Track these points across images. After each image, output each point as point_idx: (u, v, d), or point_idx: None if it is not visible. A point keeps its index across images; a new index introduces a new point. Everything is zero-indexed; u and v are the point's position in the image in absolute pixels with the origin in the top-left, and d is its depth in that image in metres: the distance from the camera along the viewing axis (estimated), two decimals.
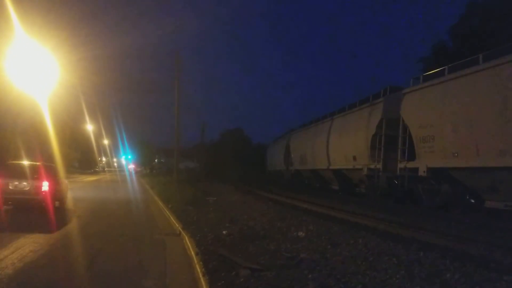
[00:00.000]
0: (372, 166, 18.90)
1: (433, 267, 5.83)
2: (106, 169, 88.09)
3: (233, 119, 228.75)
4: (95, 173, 76.23)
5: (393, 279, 5.19)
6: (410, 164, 16.01)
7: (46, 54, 20.90)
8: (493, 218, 12.40)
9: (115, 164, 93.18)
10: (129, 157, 73.78)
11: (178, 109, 25.49)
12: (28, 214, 11.82)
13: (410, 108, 16.27)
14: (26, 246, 7.21)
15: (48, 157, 46.17)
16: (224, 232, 8.74)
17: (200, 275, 5.55)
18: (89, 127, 55.27)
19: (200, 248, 6.94)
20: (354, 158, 20.91)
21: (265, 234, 8.44)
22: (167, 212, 13.44)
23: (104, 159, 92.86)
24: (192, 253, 6.91)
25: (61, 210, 13.34)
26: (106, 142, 68.41)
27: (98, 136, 61.82)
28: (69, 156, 47.71)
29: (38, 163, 14.21)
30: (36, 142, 46.06)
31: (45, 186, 12.41)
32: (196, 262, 6.28)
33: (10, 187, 12.21)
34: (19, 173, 12.81)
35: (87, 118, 49.63)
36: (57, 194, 13.52)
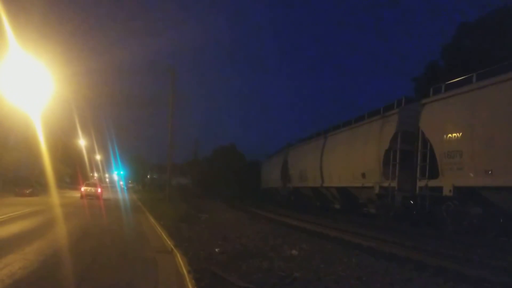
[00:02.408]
0: (386, 184, 17.20)
1: None
2: (80, 186, 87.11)
3: (227, 135, 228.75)
4: None
5: None
6: (432, 183, 14.36)
7: (41, 68, 20.90)
8: None
9: (107, 179, 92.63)
10: (121, 172, 73.60)
11: (172, 125, 25.51)
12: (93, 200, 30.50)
13: (432, 120, 14.75)
14: (16, 263, 7.08)
15: (39, 172, 45.80)
16: (216, 249, 8.66)
17: None
18: (82, 142, 55.06)
19: (192, 266, 6.86)
20: (363, 175, 19.30)
21: (258, 252, 8.38)
22: (159, 229, 13.31)
23: (96, 174, 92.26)
24: (184, 271, 6.82)
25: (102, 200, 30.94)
26: (98, 157, 68.09)
27: (91, 151, 61.59)
28: (60, 171, 47.36)
29: (96, 181, 41.66)
30: (27, 157, 45.81)
31: (99, 190, 33.61)
32: (188, 280, 6.19)
33: (88, 191, 32.94)
34: (90, 185, 34.83)
35: (80, 133, 49.54)
36: (102, 193, 34.63)
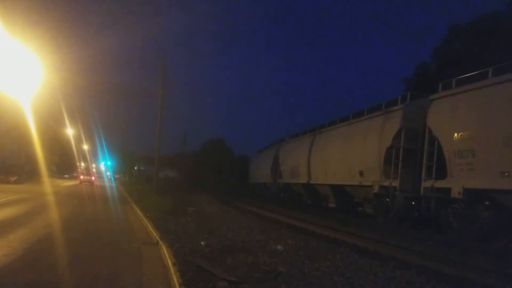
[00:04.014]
0: (386, 184, 16.30)
1: None
2: (78, 175, 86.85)
3: (216, 129, 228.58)
4: (74, 178, 75.18)
5: None
6: (440, 184, 13.39)
7: (29, 55, 20.62)
8: None
9: (94, 170, 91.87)
10: (109, 163, 73.17)
11: (161, 117, 25.39)
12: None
13: (441, 117, 13.79)
14: None
15: (25, 160, 45.28)
16: (202, 243, 8.67)
17: (177, 286, 5.48)
18: (70, 131, 54.53)
19: (177, 258, 6.86)
20: (361, 173, 18.38)
21: (244, 247, 8.41)
22: (145, 220, 13.27)
23: (83, 164, 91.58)
24: (169, 263, 6.82)
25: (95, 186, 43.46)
26: (86, 147, 67.49)
27: (79, 141, 61.02)
28: (47, 160, 46.94)
29: (91, 172, 58.06)
30: (14, 144, 45.32)
31: (94, 179, 50.89)
32: (173, 272, 6.20)
33: (85, 179, 49.05)
34: (87, 175, 52.84)
35: (68, 121, 49.09)
36: (96, 181, 50.99)
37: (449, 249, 10.12)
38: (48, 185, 34.41)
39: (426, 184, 14.08)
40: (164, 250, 7.89)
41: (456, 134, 12.85)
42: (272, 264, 6.82)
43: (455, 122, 13.06)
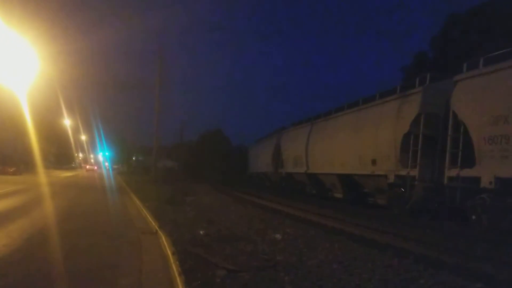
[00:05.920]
0: (403, 173, 15.08)
1: None
2: (83, 165, 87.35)
3: (214, 120, 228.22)
4: (72, 169, 75.32)
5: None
6: (467, 172, 12.13)
7: (26, 45, 20.51)
8: None
9: (92, 160, 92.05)
10: (107, 154, 73.36)
11: (159, 106, 25.35)
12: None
13: (469, 100, 12.49)
14: None
15: (23, 151, 45.21)
16: (201, 232, 8.72)
17: (176, 275, 5.51)
18: (67, 122, 54.47)
19: (176, 248, 6.91)
20: (374, 162, 17.07)
21: (243, 236, 8.46)
22: (144, 210, 13.32)
23: (81, 155, 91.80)
24: (169, 252, 6.87)
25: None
26: (83, 137, 67.71)
27: (76, 131, 61.05)
28: (45, 151, 46.88)
29: (94, 163, 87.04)
30: (12, 135, 45.21)
31: (95, 168, 78.42)
32: (172, 261, 6.24)
33: (89, 168, 76.43)
34: (91, 165, 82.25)
35: (65, 112, 49.01)
36: (97, 170, 72.16)
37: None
38: (46, 176, 34.40)
39: (450, 173, 12.82)
40: (163, 240, 7.94)
41: (486, 118, 11.65)
42: (271, 252, 6.86)
43: (486, 105, 11.81)
